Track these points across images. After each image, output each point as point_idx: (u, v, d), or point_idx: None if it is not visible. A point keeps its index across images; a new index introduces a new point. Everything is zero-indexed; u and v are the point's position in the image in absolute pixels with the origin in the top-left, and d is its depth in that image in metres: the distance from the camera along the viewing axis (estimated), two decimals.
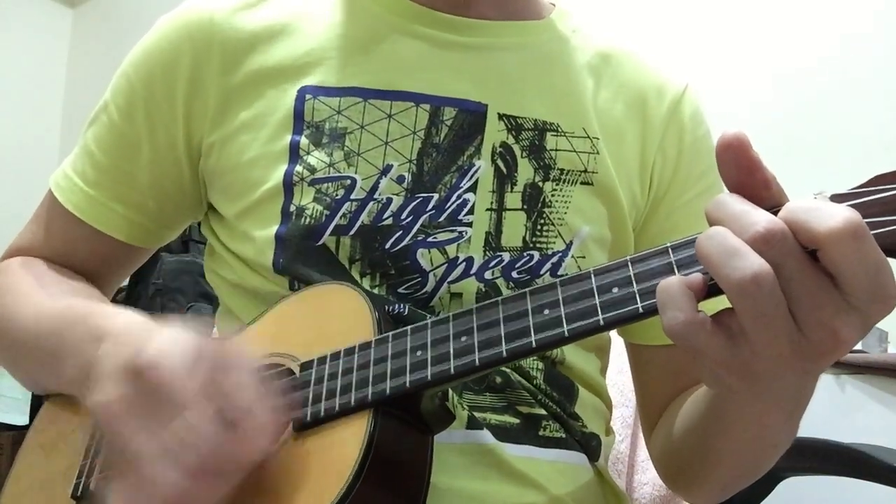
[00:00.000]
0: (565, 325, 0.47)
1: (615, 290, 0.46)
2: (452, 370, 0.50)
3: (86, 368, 0.54)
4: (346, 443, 0.50)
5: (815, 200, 0.40)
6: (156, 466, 0.46)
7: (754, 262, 0.39)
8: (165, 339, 0.49)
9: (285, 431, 0.53)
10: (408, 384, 0.51)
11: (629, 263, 0.46)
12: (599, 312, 0.46)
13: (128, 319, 0.57)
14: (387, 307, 0.61)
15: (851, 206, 0.40)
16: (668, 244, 0.46)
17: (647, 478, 1.08)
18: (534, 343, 0.48)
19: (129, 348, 0.50)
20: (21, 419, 2.33)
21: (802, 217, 0.39)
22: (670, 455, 0.71)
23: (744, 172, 0.42)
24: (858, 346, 1.48)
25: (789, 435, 0.59)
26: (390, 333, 0.54)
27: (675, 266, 0.45)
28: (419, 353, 0.51)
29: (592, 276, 0.48)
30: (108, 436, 0.49)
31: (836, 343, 0.40)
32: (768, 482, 1.01)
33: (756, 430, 0.57)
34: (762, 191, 0.43)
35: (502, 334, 0.49)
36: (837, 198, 0.42)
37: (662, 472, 0.75)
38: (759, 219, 0.40)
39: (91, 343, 0.56)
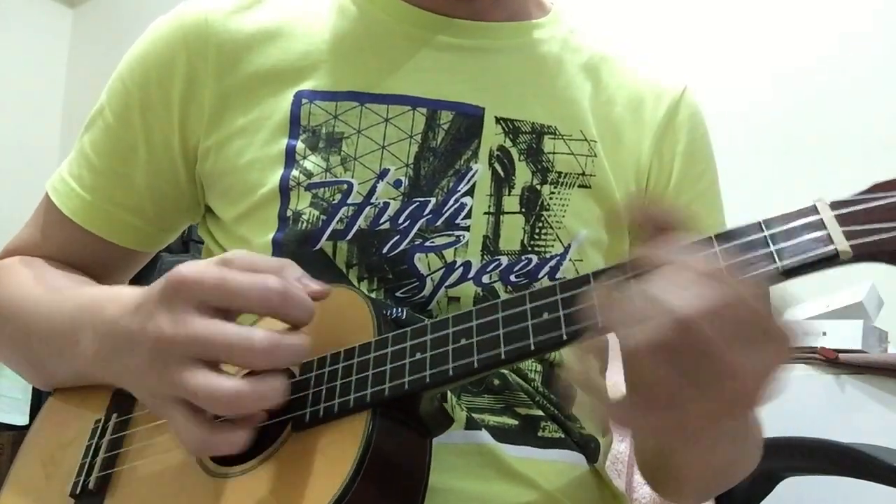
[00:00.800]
0: (564, 328, 0.47)
1: None
2: (451, 372, 0.50)
3: (109, 336, 0.56)
4: (345, 443, 0.50)
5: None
6: (244, 343, 0.48)
7: (656, 327, 0.40)
8: (183, 264, 0.51)
9: (283, 434, 0.54)
10: (406, 386, 0.51)
11: (627, 267, 0.46)
12: (598, 315, 0.46)
13: (134, 289, 0.57)
14: (385, 311, 0.61)
15: (850, 213, 0.41)
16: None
17: None
18: (532, 346, 0.48)
19: (152, 290, 0.52)
20: (21, 419, 2.33)
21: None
22: (642, 466, 0.72)
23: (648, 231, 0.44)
24: (858, 346, 1.48)
25: (748, 448, 0.61)
26: (390, 335, 0.54)
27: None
28: (418, 354, 0.51)
29: (592, 278, 0.48)
30: (176, 358, 0.49)
31: (753, 402, 0.41)
32: (768, 482, 1.01)
33: (707, 458, 0.57)
34: (666, 232, 0.44)
35: (501, 336, 0.49)
36: (837, 205, 0.43)
37: (644, 475, 0.75)
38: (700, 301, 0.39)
39: (108, 315, 0.57)
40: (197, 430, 0.49)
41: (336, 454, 0.50)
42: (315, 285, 0.53)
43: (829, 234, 0.42)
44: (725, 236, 0.44)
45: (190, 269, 0.50)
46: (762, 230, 0.44)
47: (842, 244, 0.42)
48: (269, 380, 0.49)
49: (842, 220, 0.42)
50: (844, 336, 1.51)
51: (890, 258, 0.41)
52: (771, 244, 0.43)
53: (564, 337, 0.47)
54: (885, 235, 0.41)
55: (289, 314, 0.50)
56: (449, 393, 0.61)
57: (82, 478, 0.61)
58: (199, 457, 0.55)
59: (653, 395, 0.41)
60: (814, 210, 0.43)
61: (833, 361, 1.48)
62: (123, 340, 0.54)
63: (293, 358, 0.50)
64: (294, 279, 0.52)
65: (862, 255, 0.42)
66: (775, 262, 0.43)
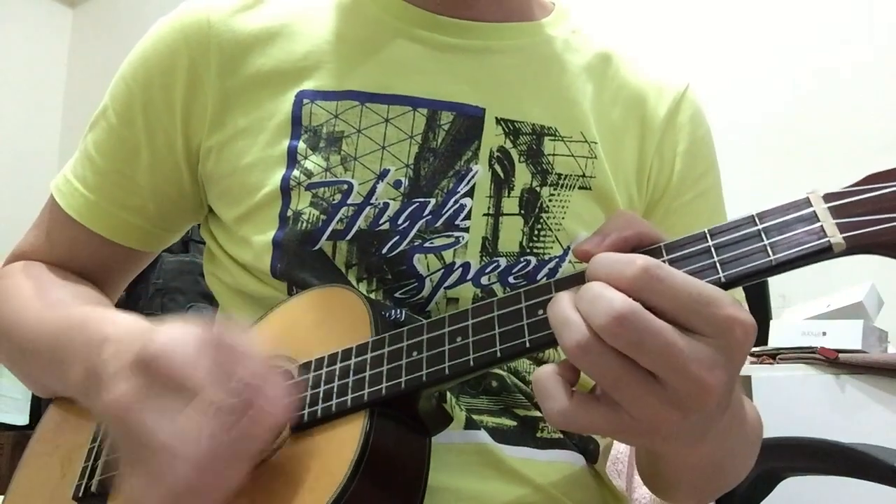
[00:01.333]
0: None
1: None
2: (448, 371, 0.50)
3: (90, 374, 0.54)
4: (343, 443, 0.50)
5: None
6: (176, 447, 0.45)
7: (576, 333, 0.41)
8: (170, 332, 0.49)
9: (284, 431, 0.54)
10: (403, 385, 0.51)
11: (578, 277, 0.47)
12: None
13: (129, 323, 0.57)
14: (384, 312, 0.61)
15: (843, 204, 0.41)
16: (662, 245, 0.46)
17: None
18: (528, 343, 0.48)
19: (134, 346, 0.50)
20: (21, 419, 2.33)
21: (648, 285, 0.40)
22: (638, 467, 0.72)
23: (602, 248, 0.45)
24: (858, 346, 1.48)
25: (739, 448, 0.61)
26: (387, 335, 0.54)
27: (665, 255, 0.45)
28: (415, 354, 0.51)
29: (586, 277, 0.47)
30: (120, 433, 0.49)
31: (706, 392, 0.40)
32: (768, 482, 1.01)
33: (693, 461, 0.57)
34: (621, 246, 0.45)
35: (497, 334, 0.49)
36: (830, 196, 0.43)
37: (641, 476, 0.75)
38: (611, 304, 0.40)
39: (94, 348, 0.56)
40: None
41: (334, 454, 0.50)
42: (279, 410, 0.48)
43: (822, 227, 0.42)
44: (719, 231, 0.44)
45: (164, 348, 0.48)
46: (756, 223, 0.44)
47: (835, 236, 0.41)
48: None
49: (835, 212, 0.42)
50: (844, 336, 1.51)
51: (884, 249, 0.41)
52: (764, 237, 0.43)
53: None
54: (878, 227, 0.41)
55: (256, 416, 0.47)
56: (448, 393, 0.61)
57: (85, 480, 0.61)
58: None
59: (613, 390, 0.42)
60: (807, 203, 0.43)
61: (833, 361, 1.48)
62: (97, 386, 0.52)
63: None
64: (265, 400, 0.48)
65: (855, 247, 0.41)
66: (769, 255, 0.43)
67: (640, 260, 0.41)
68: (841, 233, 0.41)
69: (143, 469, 0.47)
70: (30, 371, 0.71)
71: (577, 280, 0.47)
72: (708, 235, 0.44)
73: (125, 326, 0.56)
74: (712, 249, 0.44)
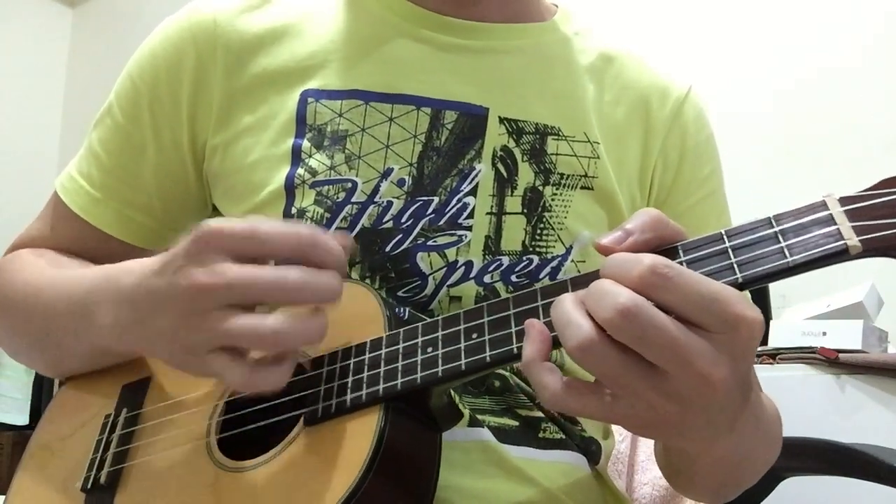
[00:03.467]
0: None
1: None
2: (464, 367, 0.50)
3: (125, 304, 0.56)
4: (357, 437, 0.50)
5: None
6: (281, 284, 0.49)
7: (578, 331, 0.41)
8: (208, 221, 0.51)
9: (295, 429, 0.54)
10: (419, 380, 0.51)
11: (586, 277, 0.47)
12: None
13: (147, 259, 0.57)
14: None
15: (859, 208, 0.42)
16: (679, 244, 0.46)
17: (647, 478, 1.08)
18: None
19: (176, 249, 0.52)
20: (21, 419, 2.33)
21: (657, 283, 0.40)
22: (658, 461, 0.72)
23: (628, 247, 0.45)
24: (858, 346, 1.48)
25: (755, 448, 0.61)
26: (402, 330, 0.54)
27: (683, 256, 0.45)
28: (430, 349, 0.52)
29: (602, 275, 0.48)
30: (214, 306, 0.49)
31: (710, 386, 0.41)
32: (768, 482, 1.01)
33: (711, 458, 0.57)
34: (641, 247, 0.44)
35: (513, 332, 0.49)
36: (846, 200, 0.43)
37: (663, 472, 0.75)
38: (616, 299, 0.40)
39: (120, 282, 0.57)
40: (243, 370, 0.50)
41: (349, 449, 0.50)
42: (340, 237, 0.53)
43: (839, 230, 0.42)
44: (736, 233, 0.44)
45: (218, 221, 0.51)
46: (772, 225, 0.44)
47: (851, 239, 0.42)
48: (307, 317, 0.50)
49: (851, 215, 0.42)
50: (844, 336, 1.51)
51: None
52: (781, 240, 0.43)
53: None
54: (894, 230, 0.41)
55: (319, 258, 0.50)
56: (452, 392, 0.61)
57: (93, 473, 0.61)
58: (249, 390, 0.54)
59: (615, 386, 0.42)
60: (823, 206, 0.43)
61: (833, 361, 1.48)
62: (147, 303, 0.54)
63: (327, 294, 0.50)
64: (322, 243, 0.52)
65: (871, 249, 0.42)
66: (786, 257, 0.43)
67: (648, 259, 0.41)
68: (857, 236, 0.42)
69: (241, 331, 0.49)
70: (50, 340, 0.69)
71: (593, 279, 0.47)
72: (725, 237, 0.45)
73: (150, 258, 0.57)
74: (729, 251, 0.44)
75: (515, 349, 0.49)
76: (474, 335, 0.51)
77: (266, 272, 0.49)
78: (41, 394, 2.49)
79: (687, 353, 0.40)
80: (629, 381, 0.41)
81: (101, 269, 0.63)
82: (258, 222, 0.51)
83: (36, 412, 2.16)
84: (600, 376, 0.42)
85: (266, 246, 0.50)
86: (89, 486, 0.61)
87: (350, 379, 0.54)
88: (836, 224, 0.42)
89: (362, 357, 0.54)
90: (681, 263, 0.44)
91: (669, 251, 0.46)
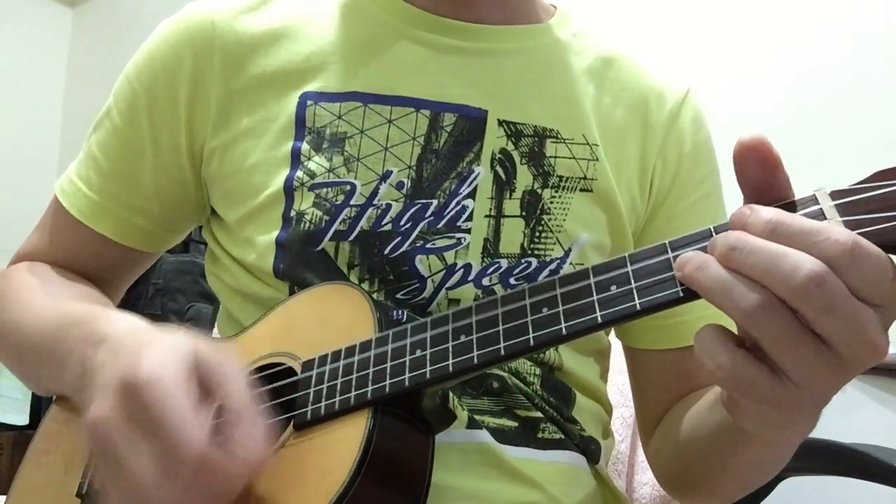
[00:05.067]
0: (563, 323, 0.47)
1: (613, 287, 0.46)
2: (451, 368, 0.50)
3: (84, 374, 0.54)
4: (346, 441, 0.50)
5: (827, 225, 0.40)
6: (147, 483, 0.45)
7: (754, 293, 0.40)
8: (162, 350, 0.48)
9: (285, 433, 0.54)
10: (407, 382, 0.51)
11: (627, 261, 0.47)
12: (597, 310, 0.46)
13: (126, 325, 0.56)
14: (386, 312, 0.61)
15: (851, 202, 0.41)
16: (667, 241, 0.46)
17: (647, 478, 1.08)
18: (532, 341, 0.48)
19: (126, 359, 0.49)
20: (21, 419, 2.33)
21: (846, 263, 0.39)
22: (671, 462, 0.71)
23: (769, 173, 0.43)
24: None
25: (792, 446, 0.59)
26: (391, 332, 0.54)
27: (672, 263, 0.45)
28: (419, 351, 0.51)
29: (591, 273, 0.48)
30: (98, 448, 0.48)
31: (877, 355, 0.40)
32: (768, 482, 1.01)
33: (774, 449, 0.57)
34: (785, 189, 0.43)
35: (500, 332, 0.49)
36: (837, 194, 0.43)
37: (661, 476, 0.75)
38: (803, 264, 0.39)
39: (90, 346, 0.55)
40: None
41: (338, 452, 0.50)
42: (252, 457, 0.47)
43: (829, 224, 0.42)
44: (726, 229, 0.44)
45: (153, 375, 0.47)
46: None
47: None
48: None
49: (842, 209, 0.42)
50: None
51: (891, 248, 0.40)
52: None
53: (564, 332, 0.47)
54: (886, 224, 0.40)
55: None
56: (450, 393, 0.61)
57: (88, 478, 0.61)
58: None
59: (782, 351, 0.41)
60: (813, 200, 0.43)
61: None
62: (90, 388, 0.51)
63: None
64: (240, 437, 0.47)
65: None
66: None
67: (842, 235, 0.39)
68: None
69: (119, 490, 0.47)
70: (30, 369, 0.71)
71: (581, 277, 0.47)
72: (713, 232, 0.44)
73: (123, 328, 0.55)
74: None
75: (503, 350, 0.48)
76: (462, 336, 0.50)
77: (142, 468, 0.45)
78: (47, 396, 2.48)
79: (864, 323, 0.39)
80: (799, 346, 0.40)
81: (78, 315, 0.62)
82: (178, 401, 0.46)
83: (36, 412, 2.16)
84: (773, 340, 0.40)
85: (157, 434, 0.46)
86: (84, 491, 0.61)
87: (339, 381, 0.53)
88: (826, 219, 0.42)
89: (351, 359, 0.54)
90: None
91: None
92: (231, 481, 0.46)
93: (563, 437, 0.66)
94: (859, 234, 0.40)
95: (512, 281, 0.65)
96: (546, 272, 0.66)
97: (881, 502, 1.16)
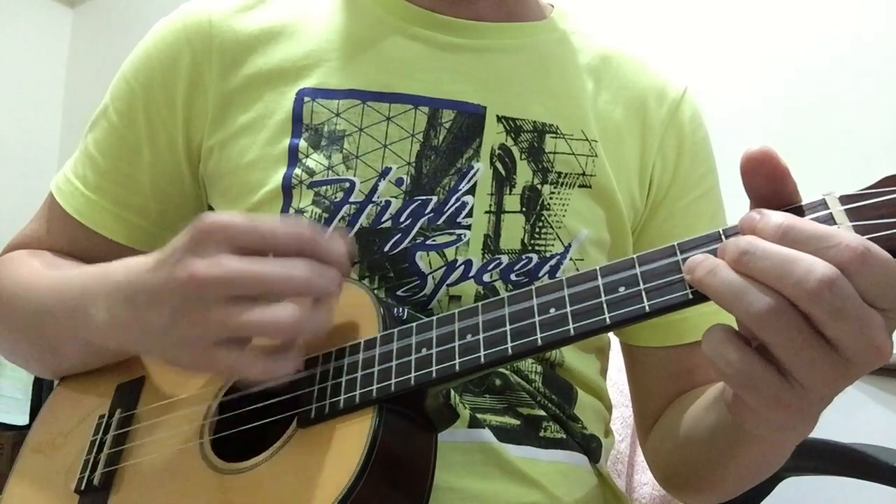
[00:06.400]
0: (571, 324, 0.47)
1: (622, 289, 0.46)
2: (458, 367, 0.50)
3: (123, 300, 0.55)
4: (351, 439, 0.50)
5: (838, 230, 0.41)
6: (281, 278, 0.48)
7: (765, 297, 0.40)
8: (207, 214, 0.51)
9: (288, 430, 0.54)
10: (413, 381, 0.51)
11: (636, 263, 0.47)
12: (606, 311, 0.46)
13: (144, 255, 0.56)
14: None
15: (860, 207, 0.42)
16: (676, 243, 0.46)
17: (648, 478, 1.08)
18: (539, 341, 0.48)
19: (175, 243, 0.51)
20: (21, 419, 2.33)
21: (856, 268, 0.39)
22: (669, 460, 0.71)
23: (778, 183, 0.43)
24: None
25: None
26: (395, 330, 0.54)
27: (681, 265, 0.45)
28: (424, 350, 0.51)
29: (599, 275, 0.48)
30: (217, 298, 0.49)
31: (883, 358, 0.41)
32: (768, 482, 1.01)
33: (774, 448, 0.57)
34: (793, 197, 0.44)
35: (508, 332, 0.49)
36: (846, 199, 0.43)
37: (659, 475, 0.75)
38: (815, 268, 0.39)
39: (116, 278, 0.57)
40: (258, 360, 0.50)
41: (342, 450, 0.50)
42: (340, 235, 0.53)
43: (839, 229, 0.42)
44: (735, 233, 0.44)
45: (218, 215, 0.51)
46: None
47: None
48: (317, 307, 0.50)
49: (851, 214, 0.42)
50: None
51: None
52: None
53: (572, 333, 0.47)
54: (895, 230, 0.41)
55: (321, 254, 0.51)
56: (452, 391, 0.61)
57: (87, 474, 0.61)
58: (263, 379, 0.53)
59: (791, 355, 0.41)
60: (823, 204, 0.43)
61: None
62: (145, 297, 0.53)
63: (331, 288, 0.51)
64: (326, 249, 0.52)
65: None
66: None
67: (853, 240, 0.39)
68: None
69: (251, 316, 0.49)
70: (46, 341, 0.69)
71: (588, 277, 0.47)
72: (722, 235, 0.44)
73: (148, 255, 0.56)
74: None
75: (510, 349, 0.48)
76: (469, 335, 0.50)
77: (272, 265, 0.49)
78: (41, 394, 2.48)
79: (872, 328, 0.40)
80: (809, 350, 0.40)
81: (96, 268, 0.63)
82: (258, 217, 0.51)
83: (36, 412, 2.15)
84: (783, 344, 0.41)
85: (267, 240, 0.50)
86: (83, 487, 0.61)
87: (343, 379, 0.53)
88: (836, 224, 0.42)
89: (356, 357, 0.54)
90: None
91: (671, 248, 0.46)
92: (330, 292, 0.51)
93: (564, 436, 0.66)
94: (869, 239, 0.40)
95: (513, 277, 0.65)
96: (546, 268, 0.66)
97: (881, 502, 1.16)
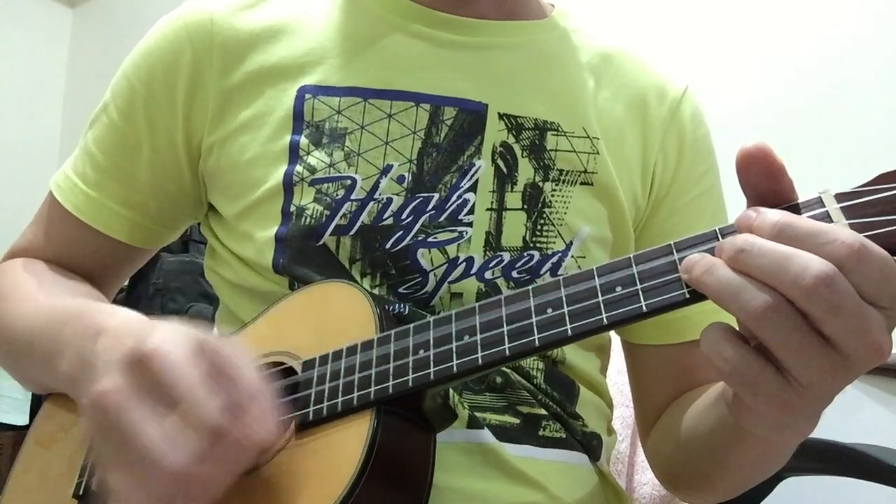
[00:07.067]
0: (568, 324, 0.47)
1: (619, 288, 0.46)
2: (455, 369, 0.49)
3: (81, 363, 0.53)
4: (349, 442, 0.50)
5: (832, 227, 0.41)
6: (159, 454, 0.43)
7: (762, 294, 0.40)
8: (167, 331, 0.48)
9: (288, 430, 0.53)
10: (411, 383, 0.51)
11: (633, 262, 0.47)
12: (603, 311, 0.46)
13: (126, 316, 0.56)
14: (387, 307, 0.61)
15: (855, 204, 0.41)
16: (672, 242, 0.46)
17: (647, 478, 1.08)
18: (537, 342, 0.48)
19: (130, 339, 0.48)
20: (21, 419, 2.33)
21: (853, 265, 0.39)
22: (669, 459, 0.71)
23: (773, 180, 0.43)
24: None
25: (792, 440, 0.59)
26: (392, 332, 0.53)
27: (678, 264, 0.45)
28: (422, 351, 0.51)
29: (596, 274, 0.48)
30: (104, 427, 0.46)
31: (881, 356, 0.41)
32: (768, 482, 1.01)
33: (775, 448, 0.57)
34: (789, 194, 0.44)
35: (505, 333, 0.49)
36: (842, 196, 0.43)
37: (660, 473, 0.75)
38: (812, 265, 0.39)
39: (88, 339, 0.54)
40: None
41: (341, 453, 0.50)
42: (266, 433, 0.46)
43: (835, 226, 0.42)
44: (731, 232, 0.44)
45: (162, 347, 0.46)
46: None
47: None
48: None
49: (847, 212, 0.42)
50: None
51: (893, 252, 0.41)
52: None
53: (570, 333, 0.47)
54: (892, 227, 0.41)
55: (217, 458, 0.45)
56: (451, 391, 0.61)
57: (85, 479, 0.61)
58: None
59: (789, 353, 0.41)
60: (819, 202, 0.43)
61: None
62: (88, 371, 0.51)
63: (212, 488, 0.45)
64: (255, 414, 0.46)
65: None
66: None
67: (848, 237, 0.39)
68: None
69: (126, 469, 0.45)
70: (24, 366, 0.70)
71: (585, 277, 0.47)
72: (719, 234, 0.44)
73: (122, 319, 0.55)
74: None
75: (507, 350, 0.48)
76: (466, 336, 0.50)
77: (152, 437, 0.44)
78: (41, 395, 2.48)
79: (868, 324, 0.40)
80: (806, 347, 0.40)
81: (74, 309, 0.61)
82: (192, 371, 0.45)
83: (36, 412, 2.15)
84: (780, 342, 0.40)
85: (175, 404, 0.45)
86: (80, 492, 0.60)
87: (341, 382, 0.53)
88: (832, 221, 0.42)
89: (353, 359, 0.54)
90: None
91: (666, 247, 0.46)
92: (244, 455, 0.45)
93: (564, 435, 0.66)
94: (865, 236, 0.40)
95: (514, 274, 0.65)
96: (548, 265, 0.66)
97: (881, 502, 1.16)
